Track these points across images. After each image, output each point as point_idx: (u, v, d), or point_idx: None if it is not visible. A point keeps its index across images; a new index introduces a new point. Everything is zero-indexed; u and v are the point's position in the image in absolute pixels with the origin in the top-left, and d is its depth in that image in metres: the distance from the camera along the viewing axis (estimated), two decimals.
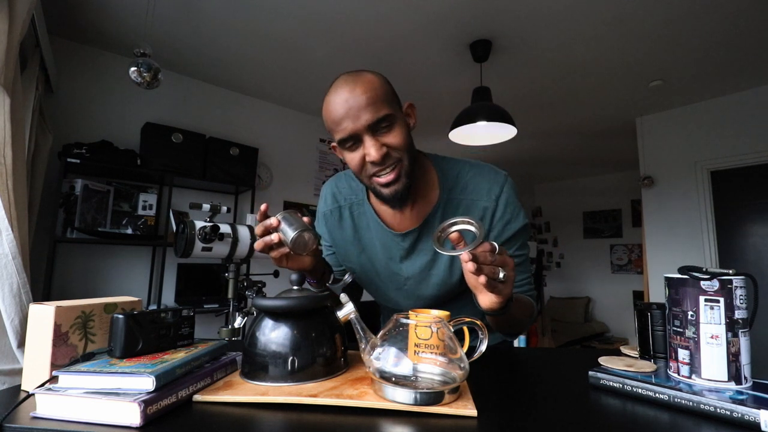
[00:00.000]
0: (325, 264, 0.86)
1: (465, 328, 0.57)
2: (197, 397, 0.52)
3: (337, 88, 0.70)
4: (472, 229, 0.59)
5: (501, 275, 0.57)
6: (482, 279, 0.55)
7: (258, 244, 0.67)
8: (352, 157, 0.72)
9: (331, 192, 0.92)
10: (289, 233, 0.64)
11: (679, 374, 0.56)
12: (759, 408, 0.44)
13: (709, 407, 0.48)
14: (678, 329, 0.56)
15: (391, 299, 0.92)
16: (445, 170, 0.83)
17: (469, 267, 0.54)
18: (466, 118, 2.22)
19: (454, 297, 0.87)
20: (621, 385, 0.56)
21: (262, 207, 0.67)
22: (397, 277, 0.86)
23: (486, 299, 0.61)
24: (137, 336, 0.55)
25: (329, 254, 0.97)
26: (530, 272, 0.87)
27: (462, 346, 0.54)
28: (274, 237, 0.65)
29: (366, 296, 1.08)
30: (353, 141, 0.70)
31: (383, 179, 0.71)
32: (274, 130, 3.33)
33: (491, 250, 0.57)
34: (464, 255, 0.55)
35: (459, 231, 0.59)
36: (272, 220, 0.65)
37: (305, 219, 0.67)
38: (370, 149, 0.68)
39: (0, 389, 0.59)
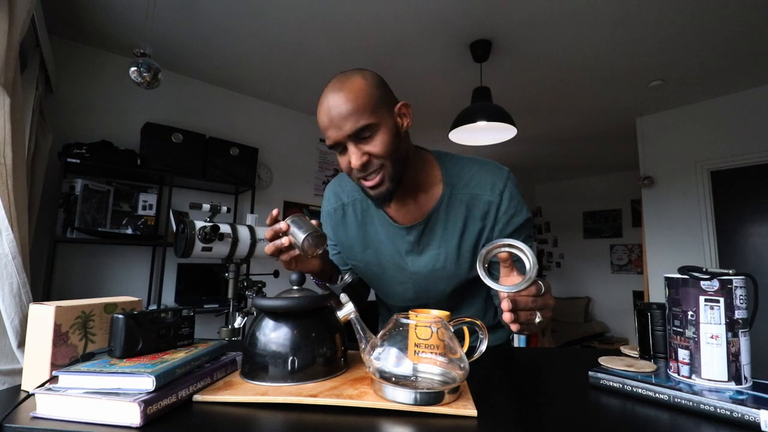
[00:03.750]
0: (333, 266, 0.88)
1: (465, 328, 0.57)
2: (197, 397, 0.52)
3: (325, 95, 0.72)
4: (524, 260, 0.55)
5: (537, 320, 0.55)
6: (515, 327, 0.54)
7: (268, 248, 0.69)
8: (342, 160, 0.75)
9: (333, 191, 0.94)
10: (299, 236, 0.66)
11: (679, 374, 0.56)
12: (759, 408, 0.44)
13: (709, 407, 0.48)
14: (678, 329, 0.56)
15: (396, 294, 0.92)
16: (447, 166, 0.84)
17: (506, 317, 0.54)
18: (466, 118, 2.22)
19: (462, 291, 0.88)
20: (621, 385, 0.56)
21: (274, 212, 0.69)
22: (403, 271, 0.87)
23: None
24: (137, 336, 0.55)
25: (335, 254, 0.97)
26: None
27: (462, 346, 0.54)
28: (284, 240, 0.68)
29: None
30: (339, 147, 0.73)
31: (367, 183, 0.75)
32: (274, 130, 3.33)
33: (536, 294, 0.55)
34: (504, 303, 0.53)
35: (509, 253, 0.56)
36: (282, 224, 0.68)
37: (313, 222, 0.69)
38: (352, 157, 0.71)
39: (0, 389, 0.59)
